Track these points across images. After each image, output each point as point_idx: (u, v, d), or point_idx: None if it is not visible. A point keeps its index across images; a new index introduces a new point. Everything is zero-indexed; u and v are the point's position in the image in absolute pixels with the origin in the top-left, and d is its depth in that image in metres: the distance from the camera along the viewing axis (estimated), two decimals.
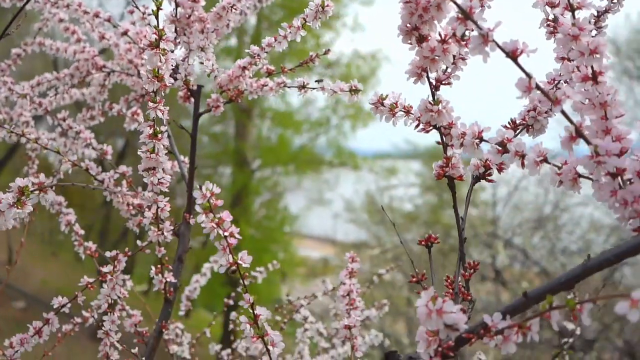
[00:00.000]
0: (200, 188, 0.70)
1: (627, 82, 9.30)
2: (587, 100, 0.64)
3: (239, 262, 0.71)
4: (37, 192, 0.75)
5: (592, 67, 0.61)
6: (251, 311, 0.74)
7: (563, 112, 0.57)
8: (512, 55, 0.57)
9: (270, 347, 0.73)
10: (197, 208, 0.71)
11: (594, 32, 0.83)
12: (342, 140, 11.48)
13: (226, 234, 0.70)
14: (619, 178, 0.58)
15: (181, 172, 1.20)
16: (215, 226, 0.70)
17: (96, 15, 1.16)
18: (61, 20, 1.25)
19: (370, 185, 10.31)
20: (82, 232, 1.18)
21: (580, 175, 0.62)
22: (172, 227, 1.02)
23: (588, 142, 0.58)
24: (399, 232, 1.02)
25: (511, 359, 6.19)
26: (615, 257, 0.56)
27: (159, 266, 1.06)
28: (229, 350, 1.42)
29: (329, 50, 1.12)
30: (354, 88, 0.95)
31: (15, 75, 1.36)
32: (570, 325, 1.19)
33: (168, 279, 1.07)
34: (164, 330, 1.10)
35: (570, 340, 1.17)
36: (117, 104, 1.31)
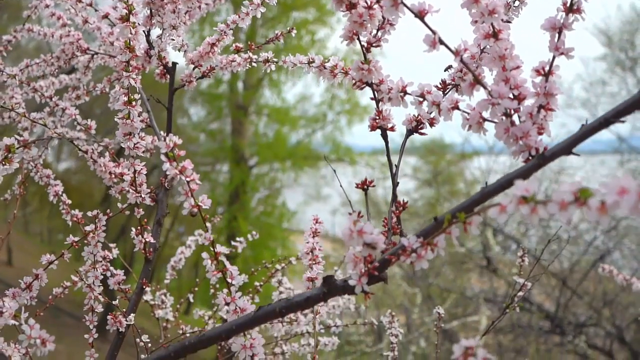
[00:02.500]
0: (165, 139, 0.80)
1: (619, 73, 9.39)
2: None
3: (200, 204, 0.81)
4: (21, 148, 0.85)
5: (492, 26, 0.71)
6: (212, 249, 0.84)
7: (462, 62, 0.67)
8: (420, 15, 0.67)
9: (229, 280, 0.84)
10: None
11: (516, 3, 0.93)
12: (339, 136, 11.60)
13: (188, 179, 0.80)
14: (512, 118, 0.68)
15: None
16: (178, 172, 0.80)
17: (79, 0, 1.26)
18: (47, 6, 1.35)
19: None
20: (69, 201, 1.27)
21: (484, 119, 0.72)
22: (149, 190, 1.12)
23: (485, 87, 0.68)
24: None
25: (504, 345, 6.30)
26: (507, 183, 0.66)
27: (139, 227, 1.16)
28: (210, 312, 1.52)
29: (292, 29, 1.23)
30: (311, 60, 1.05)
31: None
32: (519, 280, 1.29)
33: (147, 240, 1.17)
34: (144, 287, 1.20)
35: (521, 294, 1.26)
36: (100, 84, 1.41)
